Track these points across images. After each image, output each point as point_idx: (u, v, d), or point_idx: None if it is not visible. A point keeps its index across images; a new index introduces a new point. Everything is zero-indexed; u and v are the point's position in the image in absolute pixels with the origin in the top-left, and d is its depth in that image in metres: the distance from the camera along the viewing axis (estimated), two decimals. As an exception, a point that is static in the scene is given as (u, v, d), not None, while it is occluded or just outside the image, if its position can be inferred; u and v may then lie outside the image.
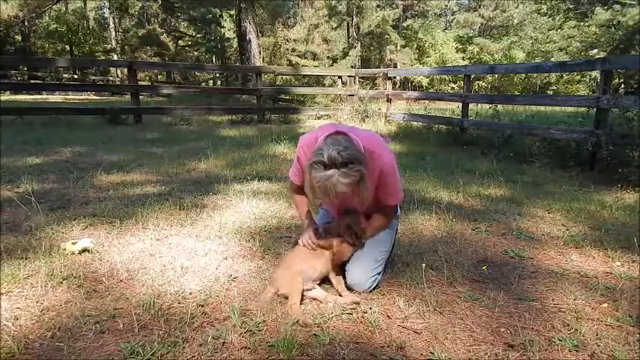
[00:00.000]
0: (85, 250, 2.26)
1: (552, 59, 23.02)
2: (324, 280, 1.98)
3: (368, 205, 1.96)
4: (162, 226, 2.71)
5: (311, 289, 1.89)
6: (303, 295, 1.83)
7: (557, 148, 5.26)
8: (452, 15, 33.71)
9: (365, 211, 2.00)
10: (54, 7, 23.67)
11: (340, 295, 1.88)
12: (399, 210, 2.21)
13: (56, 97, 18.00)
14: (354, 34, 27.61)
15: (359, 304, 1.81)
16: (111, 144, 5.89)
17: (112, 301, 1.81)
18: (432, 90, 24.23)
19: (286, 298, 1.79)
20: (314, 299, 1.87)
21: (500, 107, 7.01)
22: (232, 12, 22.53)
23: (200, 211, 3.03)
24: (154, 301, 1.78)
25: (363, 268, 1.93)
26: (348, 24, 28.32)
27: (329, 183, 1.60)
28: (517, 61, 24.41)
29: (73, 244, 2.26)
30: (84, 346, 1.52)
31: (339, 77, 11.25)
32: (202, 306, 1.79)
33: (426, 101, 12.86)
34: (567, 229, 2.87)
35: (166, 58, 26.92)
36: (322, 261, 1.92)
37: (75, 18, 29.73)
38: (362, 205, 1.94)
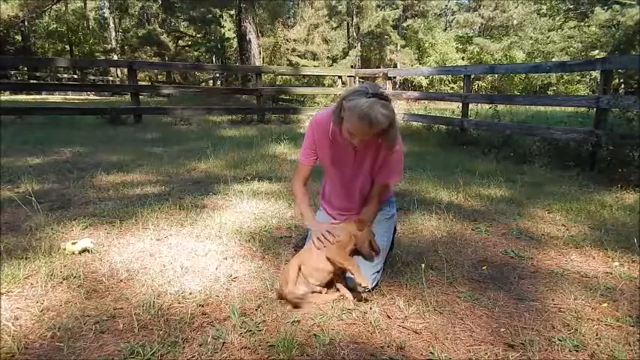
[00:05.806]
0: (85, 250, 2.26)
1: (554, 59, 23.00)
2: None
3: (367, 181, 2.02)
4: (162, 226, 2.71)
5: (319, 291, 1.87)
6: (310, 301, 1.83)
7: (557, 148, 5.26)
8: (452, 15, 33.70)
9: (361, 187, 2.04)
10: (54, 7, 23.67)
11: (338, 291, 1.88)
12: (395, 208, 2.22)
13: (56, 97, 17.99)
14: (354, 34, 27.57)
15: (361, 299, 1.75)
16: (111, 144, 5.89)
17: (112, 301, 1.81)
18: (432, 90, 24.22)
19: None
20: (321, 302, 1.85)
21: (500, 107, 7.01)
22: (232, 12, 22.53)
23: (200, 212, 3.03)
24: (154, 301, 1.78)
25: (362, 267, 1.92)
26: (348, 24, 28.28)
27: (371, 110, 1.60)
28: (517, 62, 24.40)
29: (73, 244, 2.26)
30: (84, 346, 1.52)
31: (339, 77, 11.25)
32: (202, 306, 1.79)
33: (426, 101, 12.86)
34: (567, 229, 2.87)
35: (166, 58, 26.87)
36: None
37: (75, 18, 29.75)
38: (368, 174, 1.99)
